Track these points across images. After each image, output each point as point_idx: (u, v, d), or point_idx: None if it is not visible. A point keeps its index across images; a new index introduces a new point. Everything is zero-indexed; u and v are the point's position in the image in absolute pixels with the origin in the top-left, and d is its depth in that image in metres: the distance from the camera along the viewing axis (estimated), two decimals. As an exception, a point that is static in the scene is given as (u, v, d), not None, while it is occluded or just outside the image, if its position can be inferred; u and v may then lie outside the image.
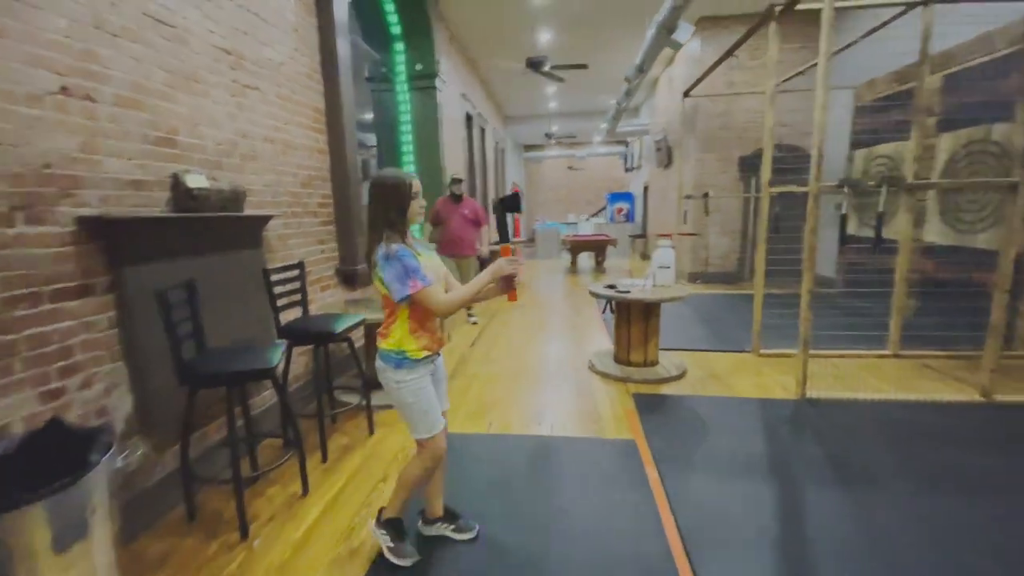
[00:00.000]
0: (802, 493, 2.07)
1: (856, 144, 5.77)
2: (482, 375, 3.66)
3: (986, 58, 3.97)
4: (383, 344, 1.59)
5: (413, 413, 1.60)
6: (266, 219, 2.70)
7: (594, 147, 15.99)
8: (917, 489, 2.07)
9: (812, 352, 3.31)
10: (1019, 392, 2.98)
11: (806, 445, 2.50)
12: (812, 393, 3.09)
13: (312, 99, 3.34)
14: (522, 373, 3.66)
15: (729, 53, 4.49)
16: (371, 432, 2.73)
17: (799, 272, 3.10)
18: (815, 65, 5.11)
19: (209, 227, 2.28)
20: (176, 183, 2.16)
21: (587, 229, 12.83)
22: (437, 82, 5.88)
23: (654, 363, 3.61)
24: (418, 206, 1.58)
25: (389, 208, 1.52)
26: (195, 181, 2.21)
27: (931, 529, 1.82)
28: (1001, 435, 2.54)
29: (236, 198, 2.43)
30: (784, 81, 4.70)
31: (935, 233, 4.44)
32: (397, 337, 1.57)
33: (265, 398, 2.76)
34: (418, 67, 5.79)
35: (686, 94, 6.39)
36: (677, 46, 5.10)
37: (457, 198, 4.96)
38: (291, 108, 3.09)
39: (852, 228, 5.82)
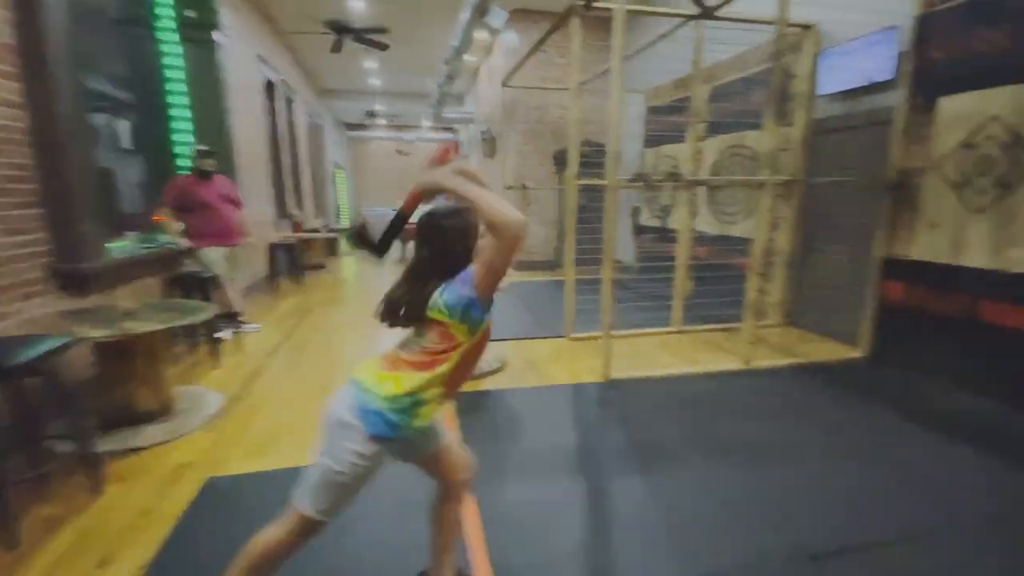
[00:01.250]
0: (608, 483, 2.09)
1: (648, 143, 6.47)
2: (275, 396, 3.07)
3: (742, 74, 4.69)
4: (395, 387, 1.12)
5: (334, 491, 1.13)
6: None
7: (423, 132, 15.54)
8: (707, 462, 2.25)
9: (615, 334, 3.53)
10: (768, 357, 3.59)
11: (611, 429, 2.59)
12: (615, 374, 3.28)
13: (-14, 27, 2.34)
14: (329, 386, 3.18)
15: (537, 47, 4.55)
16: (98, 492, 2.02)
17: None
18: (615, 66, 5.55)
19: None
20: None
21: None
22: (217, 36, 4.85)
23: (474, 358, 3.48)
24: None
25: (456, 253, 1.17)
26: None
27: (721, 502, 1.96)
28: (764, 399, 2.98)
29: None
30: (588, 81, 4.95)
31: (705, 224, 5.19)
32: (426, 379, 1.13)
33: (-98, 468, 1.83)
34: (189, 13, 4.69)
35: (504, 84, 6.42)
36: (493, 31, 5.02)
37: (206, 175, 4.00)
38: (-62, 34, 2.09)
39: (644, 218, 6.57)
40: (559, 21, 3.83)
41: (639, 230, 6.79)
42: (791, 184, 4.05)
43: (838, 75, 3.79)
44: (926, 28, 3.14)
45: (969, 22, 2.93)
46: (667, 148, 6.05)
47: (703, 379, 3.27)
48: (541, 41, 4.48)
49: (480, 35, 5.78)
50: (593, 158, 6.43)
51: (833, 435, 2.52)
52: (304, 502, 1.13)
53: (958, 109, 3.02)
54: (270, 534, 1.16)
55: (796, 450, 2.37)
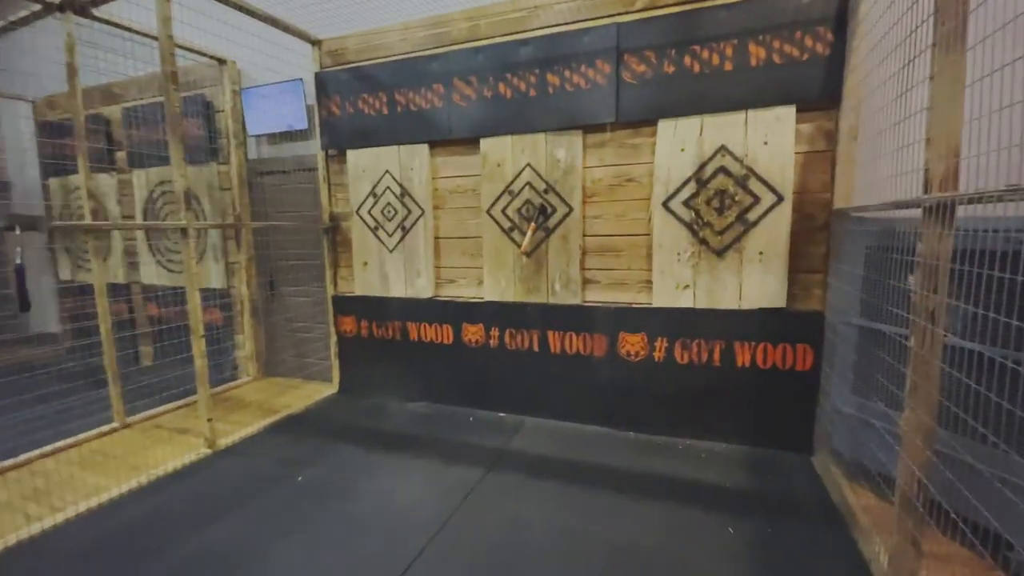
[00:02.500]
0: None
1: (49, 171, 4.68)
2: None
3: (159, 98, 3.95)
4: None
5: None
6: None
7: None
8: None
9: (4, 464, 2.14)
10: (241, 426, 3.07)
11: None
12: (-26, 553, 1.94)
13: None
14: None
15: None
16: None
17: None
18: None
19: None
20: None
21: None
22: None
23: None
24: None
25: None
26: None
27: None
28: (225, 491, 2.42)
29: None
30: None
31: (152, 275, 4.18)
32: None
33: None
34: None
35: None
36: None
37: None
38: None
39: (68, 273, 4.79)
40: None
41: (66, 290, 4.88)
42: (236, 227, 3.71)
43: (262, 117, 3.71)
44: (324, 85, 3.42)
45: (355, 87, 3.36)
46: (78, 179, 4.52)
47: (146, 493, 2.40)
48: None
49: None
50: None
51: (293, 510, 2.28)
52: None
53: (362, 162, 3.46)
54: None
55: (251, 552, 1.97)
